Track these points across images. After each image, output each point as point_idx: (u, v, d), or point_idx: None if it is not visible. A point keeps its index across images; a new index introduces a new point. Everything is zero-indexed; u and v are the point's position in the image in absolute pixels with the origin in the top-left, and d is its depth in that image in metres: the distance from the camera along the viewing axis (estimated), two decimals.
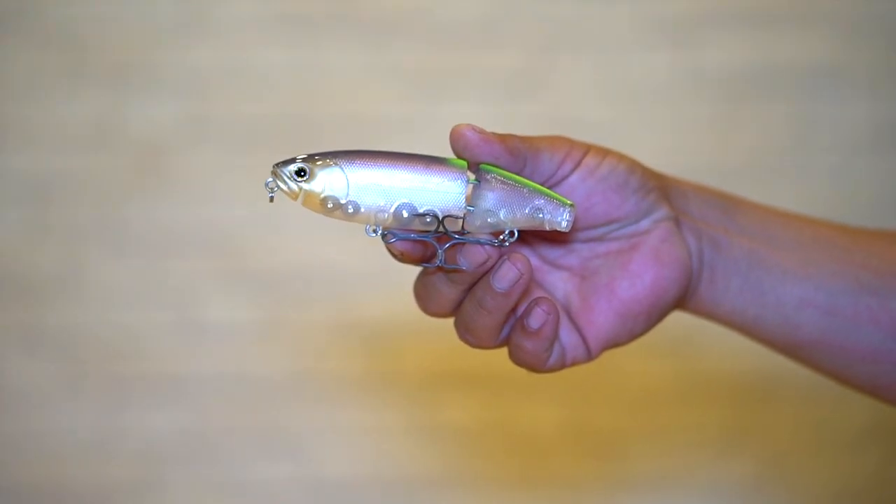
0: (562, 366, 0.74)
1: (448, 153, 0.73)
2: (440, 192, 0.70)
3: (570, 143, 0.73)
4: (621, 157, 0.74)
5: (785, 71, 1.47)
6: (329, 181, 0.71)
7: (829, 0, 1.46)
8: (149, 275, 1.46)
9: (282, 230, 1.46)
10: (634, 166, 0.74)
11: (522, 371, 0.75)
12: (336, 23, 1.46)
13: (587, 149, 0.74)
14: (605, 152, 0.74)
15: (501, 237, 0.70)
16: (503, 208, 0.70)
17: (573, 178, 0.73)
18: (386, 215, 0.71)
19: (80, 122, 1.45)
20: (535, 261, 0.76)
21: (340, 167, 0.71)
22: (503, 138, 0.71)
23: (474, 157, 0.71)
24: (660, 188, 0.75)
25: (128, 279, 1.46)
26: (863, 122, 1.47)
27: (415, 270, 0.74)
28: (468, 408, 1.46)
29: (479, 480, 1.47)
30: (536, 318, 0.71)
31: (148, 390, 1.46)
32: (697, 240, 0.75)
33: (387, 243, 0.71)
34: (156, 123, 1.45)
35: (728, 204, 0.79)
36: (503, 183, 0.71)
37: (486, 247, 0.70)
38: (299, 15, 1.46)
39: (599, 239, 0.75)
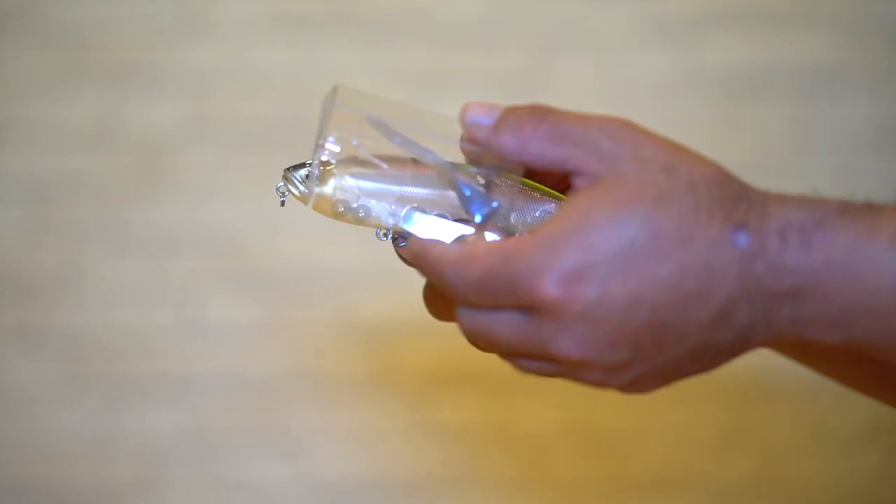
0: None
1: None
2: (451, 196, 0.70)
3: None
4: None
5: (785, 71, 1.47)
6: (340, 185, 0.71)
7: (830, 1, 1.46)
8: (149, 275, 1.46)
9: (282, 230, 1.46)
10: None
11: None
12: (336, 23, 1.46)
13: None
14: None
15: None
16: (514, 212, 0.70)
17: None
18: (396, 219, 0.71)
19: (80, 122, 1.45)
20: None
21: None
22: None
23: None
24: None
25: (128, 279, 1.46)
26: (863, 123, 1.47)
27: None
28: (468, 408, 1.46)
29: (478, 480, 1.47)
30: None
31: (148, 390, 1.46)
32: None
33: (397, 247, 0.71)
34: (156, 123, 1.45)
35: None
36: (514, 187, 0.71)
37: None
38: (299, 15, 1.46)
39: None
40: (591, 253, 0.61)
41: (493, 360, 1.53)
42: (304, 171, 0.71)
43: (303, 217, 1.43)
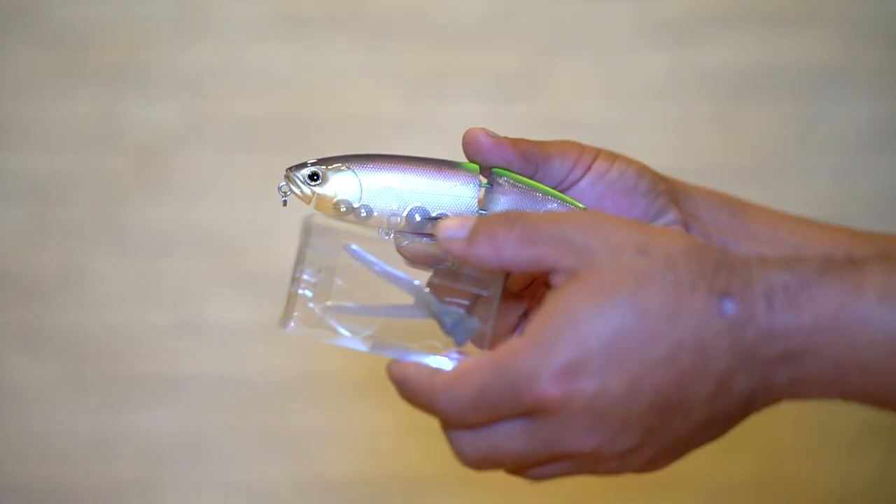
0: None
1: (453, 153, 0.73)
2: (453, 195, 0.71)
3: (581, 148, 0.74)
4: (630, 162, 0.75)
5: (787, 71, 1.47)
6: (342, 185, 0.71)
7: (833, 1, 1.46)
8: (148, 275, 1.46)
9: (281, 230, 1.45)
10: (643, 170, 0.75)
11: None
12: (336, 23, 1.46)
13: (597, 153, 0.74)
14: (614, 157, 0.74)
15: None
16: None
17: (583, 182, 0.74)
18: (399, 219, 0.71)
19: (80, 122, 1.45)
20: None
21: (353, 171, 0.71)
22: (516, 143, 0.72)
23: (487, 161, 0.72)
24: (669, 192, 0.76)
25: (127, 279, 1.45)
26: (864, 122, 1.47)
27: (418, 272, 0.74)
28: None
29: (478, 480, 1.47)
30: None
31: (147, 390, 1.46)
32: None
33: (399, 246, 0.71)
34: (154, 123, 1.45)
35: (737, 208, 0.80)
36: (515, 187, 0.71)
37: None
38: (299, 15, 1.45)
39: None
40: (584, 346, 0.61)
41: None
42: (305, 171, 0.71)
43: (302, 216, 1.43)
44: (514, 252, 0.64)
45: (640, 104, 1.47)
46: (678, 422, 0.62)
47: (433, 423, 1.53)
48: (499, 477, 1.47)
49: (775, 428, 1.47)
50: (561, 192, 0.73)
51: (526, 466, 0.65)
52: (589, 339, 0.61)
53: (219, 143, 1.45)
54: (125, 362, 1.45)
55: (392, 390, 1.48)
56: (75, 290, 1.45)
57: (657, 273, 0.62)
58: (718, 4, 1.46)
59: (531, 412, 0.62)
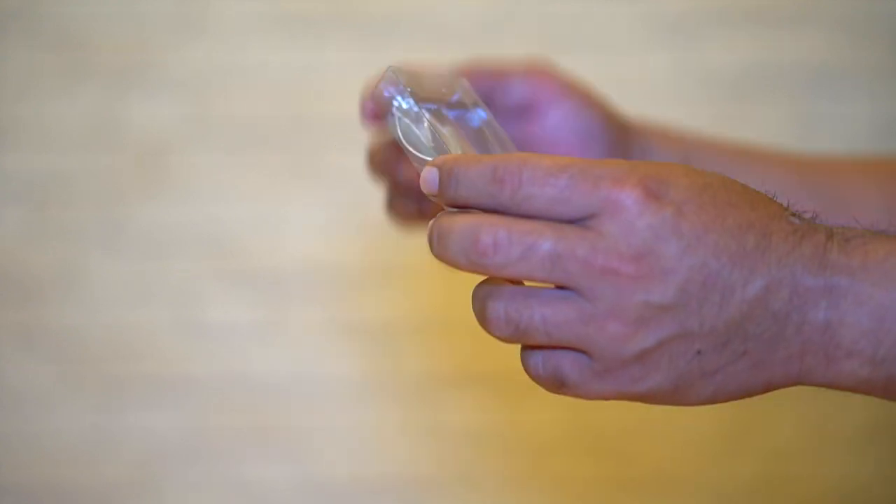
0: None
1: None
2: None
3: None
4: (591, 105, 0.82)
5: (786, 71, 1.47)
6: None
7: (832, 0, 1.46)
8: (149, 275, 1.46)
9: (282, 230, 1.45)
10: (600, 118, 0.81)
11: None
12: (336, 23, 1.46)
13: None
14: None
15: None
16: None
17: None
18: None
19: (80, 122, 1.45)
20: None
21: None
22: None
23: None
24: (623, 142, 0.82)
25: (127, 279, 1.45)
26: (864, 122, 1.47)
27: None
28: (468, 408, 1.46)
29: (478, 481, 1.47)
30: None
31: (148, 390, 1.46)
32: None
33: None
34: (156, 123, 1.45)
35: (686, 151, 0.83)
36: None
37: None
38: (299, 15, 1.45)
39: None
40: (673, 176, 0.62)
41: (493, 360, 1.52)
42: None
43: (303, 216, 1.43)
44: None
45: (640, 104, 1.47)
46: (712, 305, 0.62)
47: (433, 423, 1.52)
48: (497, 477, 1.47)
49: (775, 427, 1.47)
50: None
51: (557, 269, 0.61)
52: (679, 175, 0.62)
53: (219, 143, 1.46)
54: (124, 362, 1.45)
55: (391, 390, 1.47)
56: (75, 290, 1.45)
57: (738, 182, 0.64)
58: (718, 4, 1.46)
59: (598, 212, 0.61)
